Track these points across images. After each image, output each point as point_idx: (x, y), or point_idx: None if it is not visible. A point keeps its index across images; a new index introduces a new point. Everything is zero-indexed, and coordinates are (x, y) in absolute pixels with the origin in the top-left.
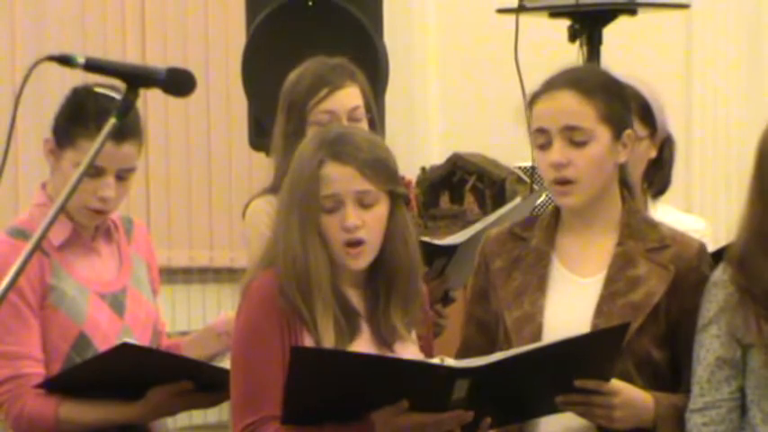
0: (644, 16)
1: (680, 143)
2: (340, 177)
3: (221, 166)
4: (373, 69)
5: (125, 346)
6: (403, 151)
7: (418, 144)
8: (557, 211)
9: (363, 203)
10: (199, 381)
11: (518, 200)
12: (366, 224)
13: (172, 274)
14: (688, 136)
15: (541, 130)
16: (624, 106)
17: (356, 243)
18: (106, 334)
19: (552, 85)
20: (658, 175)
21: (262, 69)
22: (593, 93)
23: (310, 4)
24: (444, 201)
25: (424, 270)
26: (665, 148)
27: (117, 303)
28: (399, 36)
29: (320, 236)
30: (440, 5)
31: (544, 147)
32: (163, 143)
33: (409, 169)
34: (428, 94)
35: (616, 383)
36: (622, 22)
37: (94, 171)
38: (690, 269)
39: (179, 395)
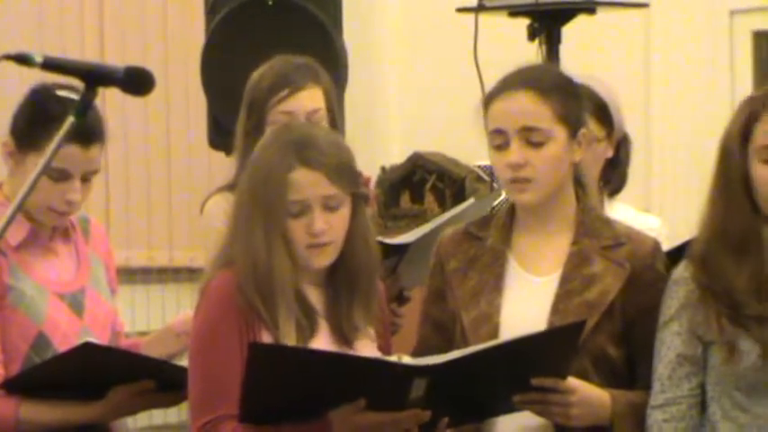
0: (603, 15)
1: (639, 142)
2: (309, 183)
3: (180, 165)
4: (333, 68)
5: (87, 345)
6: (363, 150)
7: (378, 143)
8: (512, 211)
9: (329, 207)
10: (159, 380)
11: (471, 200)
12: (332, 227)
13: (131, 274)
14: (647, 135)
15: (499, 131)
16: (579, 105)
17: (321, 245)
18: (66, 334)
19: (508, 85)
20: (615, 175)
21: (221, 68)
22: (550, 93)
23: (270, 3)
24: (405, 200)
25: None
26: (622, 148)
27: (76, 303)
28: (359, 35)
29: (284, 238)
30: (400, 4)
31: (501, 147)
32: (121, 143)
33: (369, 169)
34: (388, 93)
35: (573, 381)
36: (581, 20)
37: (60, 175)
38: (645, 266)
39: (140, 395)
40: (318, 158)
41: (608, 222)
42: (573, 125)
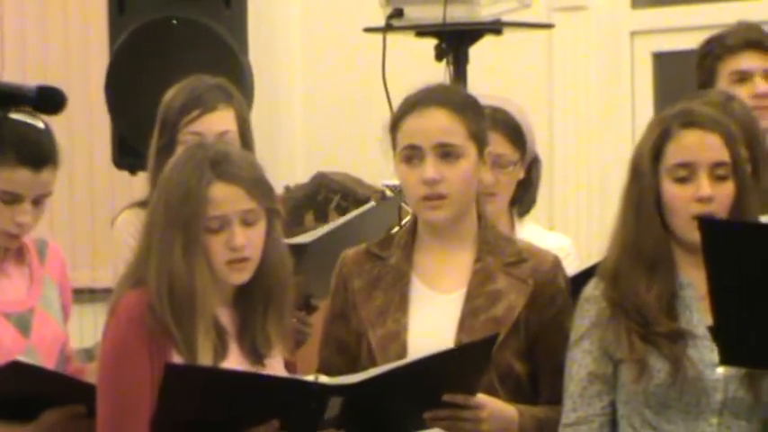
0: (509, 36)
1: (542, 161)
2: (228, 198)
3: (83, 185)
4: (238, 87)
5: (16, 363)
6: (267, 169)
7: (282, 162)
8: (413, 229)
9: (247, 222)
10: (92, 406)
11: (372, 203)
12: (250, 242)
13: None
14: (550, 154)
15: (412, 147)
16: (485, 125)
17: (241, 260)
18: (10, 352)
19: (422, 102)
20: (526, 195)
21: (126, 88)
22: (463, 110)
23: (174, 22)
24: (309, 219)
25: None
26: (533, 169)
27: (23, 323)
28: (264, 53)
29: (204, 256)
30: (306, 24)
31: (415, 163)
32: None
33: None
34: (293, 112)
35: (482, 397)
36: (488, 41)
37: (12, 198)
38: (546, 282)
39: (72, 419)
40: (236, 173)
41: (509, 240)
42: (481, 143)
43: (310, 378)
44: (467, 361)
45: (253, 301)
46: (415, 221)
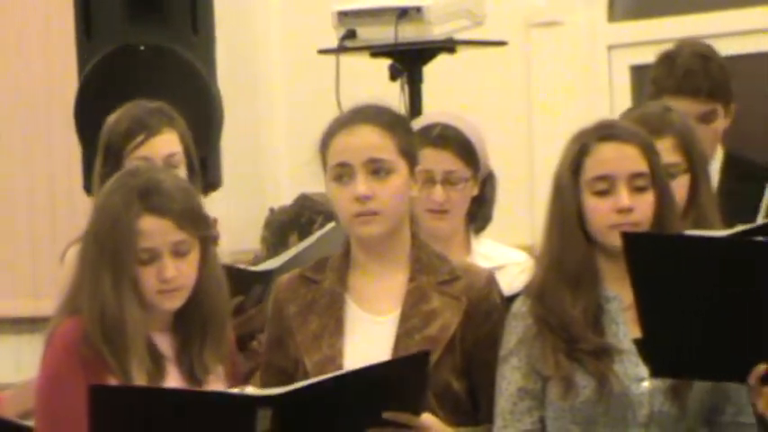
0: (463, 54)
1: (522, 176)
2: (157, 230)
3: (47, 212)
4: (208, 112)
5: None
6: (250, 193)
7: (265, 185)
8: (347, 252)
9: (179, 252)
10: None
11: (332, 224)
12: (182, 272)
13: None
14: (530, 168)
15: (343, 165)
16: (415, 142)
17: (172, 290)
18: None
19: (351, 120)
20: (481, 212)
21: (95, 115)
22: (393, 127)
23: (142, 48)
24: (293, 241)
25: (240, 299)
26: (487, 186)
27: None
28: (241, 77)
29: (133, 286)
30: (284, 43)
31: (345, 181)
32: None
33: (257, 211)
34: (274, 135)
35: (427, 418)
36: (442, 59)
37: None
38: (481, 298)
39: None
40: (165, 205)
41: (443, 258)
42: (412, 161)
43: (235, 391)
44: (402, 376)
45: (189, 326)
46: (348, 244)
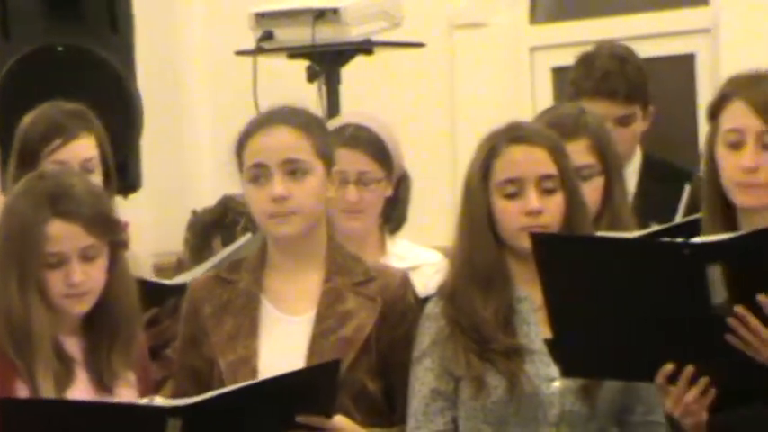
0: (381, 55)
1: (445, 175)
2: (66, 235)
3: None
4: (127, 113)
5: None
6: (173, 195)
7: (188, 187)
8: (263, 253)
9: (87, 257)
10: None
11: (248, 235)
12: (90, 277)
13: None
14: (454, 169)
15: (259, 165)
16: (332, 144)
17: (79, 295)
18: None
19: (267, 121)
20: (395, 213)
21: (14, 115)
22: (309, 128)
23: (60, 49)
24: (216, 243)
25: (155, 311)
26: (402, 186)
27: None
28: (162, 78)
29: (40, 289)
30: (204, 44)
31: (262, 182)
32: None
33: (181, 213)
34: (196, 136)
35: (339, 420)
36: (360, 61)
37: None
38: (396, 299)
39: None
40: (74, 210)
41: (357, 259)
42: (328, 162)
43: (144, 401)
44: (313, 383)
45: (97, 330)
46: (264, 244)
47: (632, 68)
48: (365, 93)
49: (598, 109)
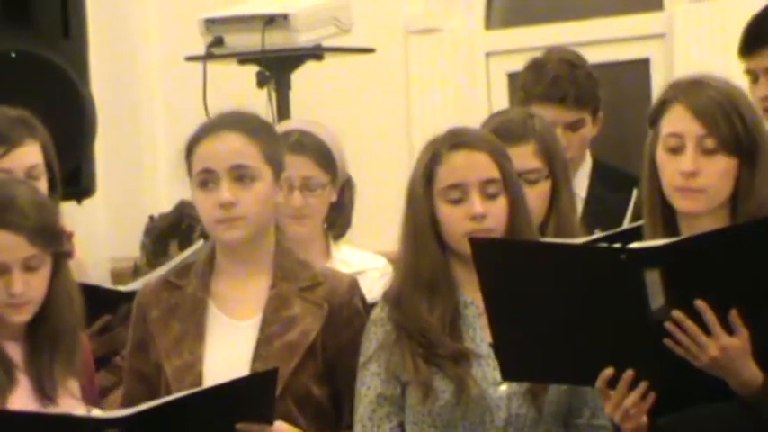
0: (331, 61)
1: (400, 179)
2: (8, 246)
3: None
4: (80, 119)
5: None
6: (130, 200)
7: (145, 192)
8: (211, 257)
9: (29, 267)
10: None
11: (201, 242)
12: (31, 287)
13: None
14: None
15: (207, 171)
16: (281, 150)
17: (20, 304)
18: None
19: (215, 127)
20: (340, 218)
21: None
22: (257, 133)
23: (13, 55)
24: (173, 248)
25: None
26: (346, 192)
27: None
28: (117, 84)
29: None
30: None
31: (210, 188)
32: None
33: (137, 218)
34: (152, 141)
35: (280, 425)
36: (310, 66)
37: None
38: (342, 304)
39: None
40: (18, 221)
41: (305, 264)
42: (277, 168)
43: (81, 413)
44: (251, 392)
45: (39, 339)
46: (212, 249)
47: (582, 74)
48: (315, 98)
49: (548, 114)
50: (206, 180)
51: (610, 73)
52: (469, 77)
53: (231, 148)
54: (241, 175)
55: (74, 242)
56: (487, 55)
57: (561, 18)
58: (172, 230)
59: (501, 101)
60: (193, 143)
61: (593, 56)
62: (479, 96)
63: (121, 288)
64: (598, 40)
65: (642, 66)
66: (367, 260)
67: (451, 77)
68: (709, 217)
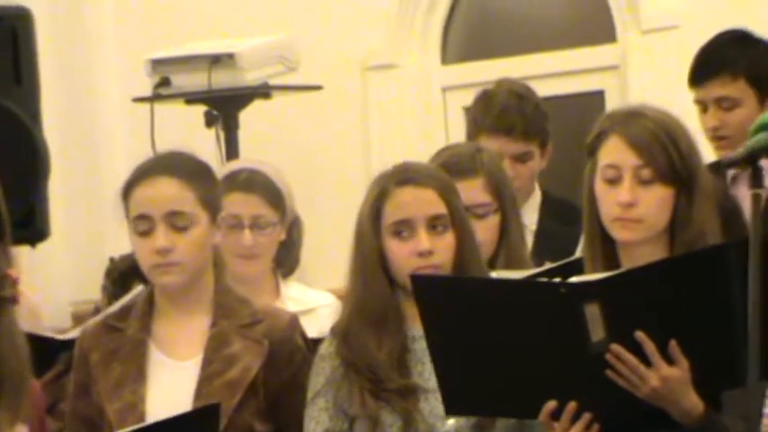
0: (279, 99)
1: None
2: None
3: None
4: (32, 162)
5: None
6: (90, 242)
7: (105, 234)
8: (150, 299)
9: None
10: None
11: (140, 287)
12: None
13: None
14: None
15: (143, 216)
16: (218, 190)
17: None
18: None
19: (151, 171)
20: (288, 256)
21: None
22: (193, 177)
23: None
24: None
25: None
26: (294, 230)
27: None
28: (72, 128)
29: None
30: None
31: (146, 233)
32: None
33: (98, 260)
34: (114, 184)
35: None
36: (258, 105)
37: None
38: (283, 340)
39: None
40: None
41: (245, 302)
42: (214, 209)
43: None
44: (194, 427)
45: None
46: (152, 291)
47: (530, 105)
48: (264, 137)
49: (496, 145)
50: (142, 226)
51: (566, 105)
52: (427, 112)
53: (166, 194)
54: (176, 222)
55: (20, 288)
56: (444, 89)
57: (516, 52)
58: (133, 272)
59: (458, 134)
60: (129, 187)
61: (548, 89)
62: (437, 131)
63: (61, 336)
64: (553, 72)
65: (597, 98)
66: (317, 298)
67: (409, 113)
68: (649, 246)
